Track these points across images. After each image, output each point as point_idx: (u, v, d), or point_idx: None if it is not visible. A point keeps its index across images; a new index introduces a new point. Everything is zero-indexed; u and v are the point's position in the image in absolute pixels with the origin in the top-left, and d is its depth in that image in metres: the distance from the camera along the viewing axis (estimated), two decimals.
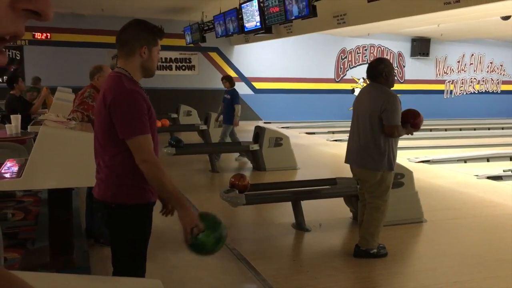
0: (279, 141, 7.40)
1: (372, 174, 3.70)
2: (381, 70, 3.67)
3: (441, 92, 17.43)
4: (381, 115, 3.57)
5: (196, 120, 10.96)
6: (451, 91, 17.64)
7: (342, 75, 16.16)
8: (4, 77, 11.42)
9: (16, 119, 4.62)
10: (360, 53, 16.22)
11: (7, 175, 2.98)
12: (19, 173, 2.93)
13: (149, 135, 2.07)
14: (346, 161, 3.93)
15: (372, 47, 16.24)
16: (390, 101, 3.59)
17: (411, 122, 3.65)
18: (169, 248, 3.99)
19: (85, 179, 2.97)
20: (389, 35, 15.57)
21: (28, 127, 5.16)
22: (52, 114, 3.44)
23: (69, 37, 13.03)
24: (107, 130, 2.12)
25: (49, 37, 12.94)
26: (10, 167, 3.22)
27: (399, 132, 3.60)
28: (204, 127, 9.58)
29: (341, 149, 9.24)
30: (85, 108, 3.76)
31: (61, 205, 3.03)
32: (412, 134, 3.75)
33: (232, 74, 15.09)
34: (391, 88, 3.69)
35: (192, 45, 12.40)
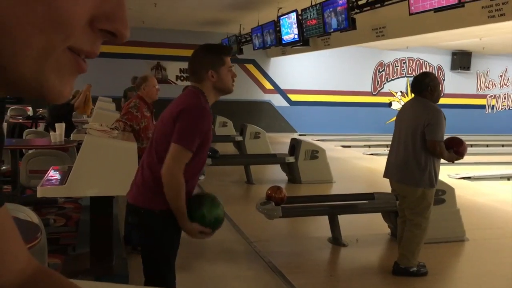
0: (315, 153, 7.35)
1: (412, 190, 3.62)
2: (426, 84, 3.59)
3: (482, 107, 16.93)
4: (425, 129, 3.49)
5: (232, 131, 11.03)
6: (493, 106, 17.12)
7: (379, 88, 15.95)
8: None
9: (60, 128, 4.78)
10: (398, 66, 15.98)
11: (52, 182, 3.07)
12: (63, 181, 3.01)
13: (191, 153, 2.12)
14: (385, 176, 3.85)
15: (410, 61, 15.98)
16: (435, 115, 3.51)
17: (455, 150, 3.58)
18: (205, 258, 4.01)
19: (126, 187, 3.02)
20: (428, 48, 15.29)
21: (71, 135, 5.33)
22: (96, 123, 3.53)
23: (111, 48, 13.38)
24: (166, 137, 2.17)
25: None
26: (55, 174, 3.31)
27: (441, 149, 3.51)
28: (239, 138, 9.63)
29: (377, 163, 9.13)
30: (129, 118, 3.84)
31: (102, 212, 3.09)
32: (453, 162, 3.68)
33: (268, 86, 15.15)
34: (436, 103, 3.61)
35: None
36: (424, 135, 3.50)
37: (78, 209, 4.95)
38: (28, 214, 2.20)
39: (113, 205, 3.37)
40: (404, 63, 15.97)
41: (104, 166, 2.88)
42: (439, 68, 16.21)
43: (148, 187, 2.22)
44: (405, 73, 15.86)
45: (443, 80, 16.25)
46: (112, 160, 2.90)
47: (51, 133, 4.91)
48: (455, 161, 3.72)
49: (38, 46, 0.38)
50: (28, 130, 6.28)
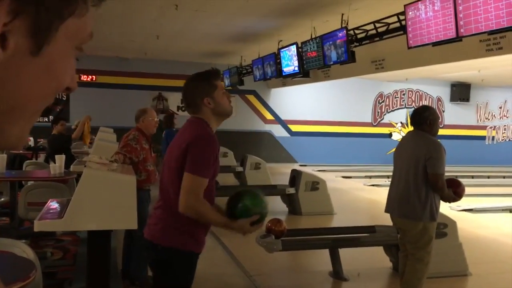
0: (316, 185, 7.32)
1: (414, 224, 3.58)
2: (426, 118, 3.61)
3: (482, 138, 16.97)
4: (426, 163, 3.48)
5: (233, 162, 11.00)
6: (493, 137, 17.15)
7: (379, 119, 16.03)
8: (50, 116, 11.88)
9: (60, 159, 4.77)
10: (398, 97, 16.10)
11: (50, 216, 3.04)
12: (61, 214, 2.99)
13: (207, 180, 2.12)
14: (387, 210, 3.82)
15: (410, 92, 16.11)
16: (436, 149, 3.52)
17: (453, 190, 3.58)
18: None
19: (125, 221, 3.00)
20: (427, 80, 15.45)
21: (71, 166, 5.32)
22: (95, 155, 3.53)
23: (113, 79, 13.54)
24: (176, 170, 2.16)
25: (94, 79, 13.48)
26: (53, 206, 3.29)
27: (443, 183, 3.49)
28: (240, 169, 9.61)
29: (378, 194, 9.08)
30: (128, 150, 3.84)
31: (101, 246, 3.05)
32: (450, 202, 3.68)
33: (269, 116, 15.23)
34: (435, 137, 3.62)
35: (230, 87, 12.66)
36: (425, 169, 3.49)
37: (77, 242, 4.89)
38: (24, 250, 2.17)
39: (110, 239, 3.32)
40: (403, 94, 16.10)
41: (103, 199, 2.86)
42: (439, 99, 16.32)
43: (166, 224, 2.21)
44: (405, 104, 15.96)
45: (443, 111, 16.34)
46: (111, 193, 2.88)
47: (51, 164, 4.91)
48: (451, 203, 3.72)
49: (35, 109, 0.45)
50: (28, 161, 6.28)
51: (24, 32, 0.38)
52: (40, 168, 5.74)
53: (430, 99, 16.24)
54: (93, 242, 3.07)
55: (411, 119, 3.73)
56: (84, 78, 13.42)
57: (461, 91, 16.02)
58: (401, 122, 15.93)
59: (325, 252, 4.46)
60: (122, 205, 2.91)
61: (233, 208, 2.19)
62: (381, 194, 8.14)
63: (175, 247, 2.16)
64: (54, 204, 3.35)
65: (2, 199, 5.25)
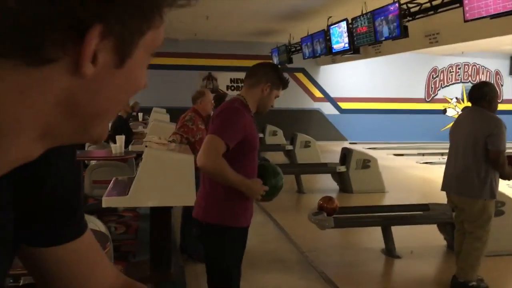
0: (367, 163, 7.27)
1: (473, 202, 3.53)
2: (485, 93, 3.51)
3: None
4: (486, 139, 3.41)
5: (282, 140, 11.08)
6: None
7: (433, 95, 15.54)
8: None
9: (120, 140, 5.02)
10: (453, 72, 15.51)
11: (115, 193, 3.24)
12: (125, 191, 3.18)
13: (225, 144, 2.17)
14: (443, 188, 3.77)
15: (466, 66, 15.47)
16: (497, 125, 3.43)
17: None
18: (258, 267, 4.07)
19: (183, 198, 3.15)
20: (485, 53, 14.76)
21: (129, 146, 5.57)
22: (154, 136, 3.70)
23: (164, 61, 13.82)
24: None
25: None
26: (117, 184, 3.50)
27: (504, 160, 3.42)
28: (290, 147, 9.67)
29: (432, 172, 8.89)
30: (185, 131, 4.00)
31: (162, 222, 3.23)
32: (510, 179, 3.58)
33: (318, 94, 15.11)
34: (494, 113, 3.53)
35: (279, 66, 12.66)
36: (484, 146, 3.42)
37: (137, 218, 5.16)
38: (96, 224, 2.36)
39: (171, 214, 3.51)
40: (459, 68, 15.49)
41: (163, 177, 3.02)
42: (497, 73, 15.59)
43: (206, 200, 2.33)
44: (461, 79, 15.37)
45: (501, 85, 15.61)
46: (171, 172, 3.03)
47: (112, 144, 5.17)
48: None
49: (115, 112, 0.52)
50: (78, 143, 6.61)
51: (110, 49, 0.44)
52: (101, 148, 6.05)
53: (488, 73, 15.53)
54: (155, 217, 3.25)
55: (469, 94, 3.64)
56: None
57: None
58: (456, 98, 15.37)
59: (378, 230, 4.48)
60: (181, 183, 3.06)
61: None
62: (435, 172, 7.98)
63: (219, 223, 2.27)
64: (117, 182, 3.56)
65: None
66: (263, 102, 2.39)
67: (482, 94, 3.51)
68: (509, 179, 3.60)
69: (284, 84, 2.45)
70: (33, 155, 0.48)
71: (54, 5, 0.39)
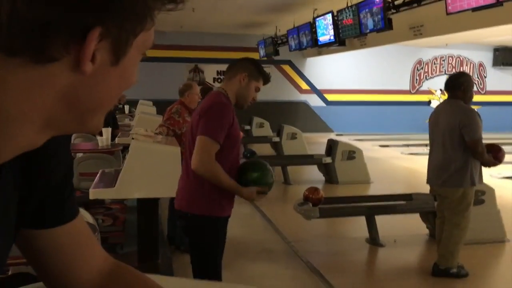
0: (352, 154, 7.37)
1: (454, 191, 3.63)
2: (460, 84, 3.61)
3: None
4: (461, 131, 3.51)
5: (269, 132, 11.14)
6: None
7: (418, 87, 15.70)
8: None
9: (106, 132, 5.02)
10: (437, 64, 15.68)
11: (102, 185, 3.27)
12: (112, 183, 3.20)
13: (217, 144, 2.23)
14: (428, 182, 3.86)
15: (450, 58, 15.65)
16: (468, 116, 3.53)
17: (493, 155, 3.59)
18: (245, 257, 4.14)
19: (169, 189, 3.18)
20: (469, 45, 14.93)
21: (116, 139, 5.57)
22: (141, 128, 3.72)
23: (150, 53, 13.68)
24: (194, 138, 2.32)
25: None
26: (104, 177, 3.52)
27: (482, 148, 3.52)
28: (276, 139, 9.72)
29: (416, 163, 9.03)
30: (171, 123, 4.03)
31: (149, 213, 3.27)
32: (489, 167, 3.68)
33: (304, 86, 15.18)
34: (469, 104, 3.62)
35: (265, 58, 12.68)
36: (461, 136, 3.52)
37: (124, 210, 5.18)
38: (84, 215, 2.38)
39: (158, 206, 3.55)
40: (443, 60, 15.67)
41: (150, 169, 3.06)
42: (480, 64, 15.80)
43: (188, 192, 2.37)
44: (445, 71, 15.54)
45: (485, 77, 15.84)
46: (158, 163, 3.07)
47: (98, 137, 5.17)
48: (491, 167, 3.72)
49: (109, 105, 0.56)
50: (76, 133, 6.60)
51: (107, 49, 0.49)
52: (87, 141, 6.04)
53: (472, 64, 15.74)
54: (142, 209, 3.29)
55: (445, 84, 3.73)
56: None
57: (504, 56, 15.42)
58: (441, 89, 15.54)
59: (362, 220, 4.57)
60: (167, 175, 3.09)
61: (241, 180, 2.34)
62: (419, 163, 8.11)
63: (201, 213, 2.32)
64: (104, 174, 3.58)
65: None
66: (241, 93, 2.40)
67: (458, 84, 3.61)
68: (489, 166, 3.69)
69: (264, 77, 2.47)
70: (36, 144, 0.53)
71: (60, 10, 0.44)
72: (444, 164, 3.63)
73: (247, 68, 2.41)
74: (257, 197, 2.37)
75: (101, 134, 5.21)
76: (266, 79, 2.50)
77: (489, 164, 3.64)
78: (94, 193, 2.97)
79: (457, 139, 3.54)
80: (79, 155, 5.01)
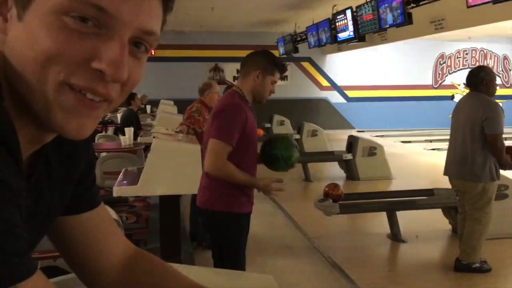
0: (373, 150, 7.33)
1: (473, 186, 3.59)
2: (481, 78, 3.57)
3: None
4: (483, 124, 3.47)
5: (289, 130, 11.15)
6: None
7: (440, 81, 15.48)
8: None
9: (129, 132, 5.13)
10: (460, 57, 15.43)
11: (125, 183, 3.34)
12: (135, 181, 3.28)
13: (229, 146, 2.26)
14: (445, 173, 3.84)
15: (473, 51, 15.38)
16: (492, 109, 3.49)
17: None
18: (267, 253, 4.18)
19: (191, 186, 3.23)
20: (492, 37, 14.64)
21: (138, 138, 5.68)
22: (162, 127, 3.79)
23: (171, 53, 13.90)
24: (209, 137, 2.36)
25: (153, 53, 13.89)
26: (127, 175, 3.60)
27: (501, 144, 3.47)
28: (297, 136, 9.72)
29: (439, 158, 8.88)
30: (191, 122, 4.10)
31: (171, 210, 3.33)
32: (506, 168, 3.58)
33: (325, 83, 15.12)
34: (492, 97, 3.58)
35: (285, 55, 12.69)
36: (482, 130, 3.48)
37: (147, 207, 5.28)
38: (108, 212, 2.47)
39: (180, 202, 3.61)
40: (466, 54, 15.41)
41: (171, 167, 3.11)
42: (505, 57, 15.48)
43: (209, 189, 2.41)
44: (468, 64, 15.28)
45: (510, 70, 15.50)
46: (179, 161, 3.12)
47: (121, 136, 5.28)
48: (507, 169, 3.62)
49: (40, 79, 0.52)
50: (99, 134, 6.75)
51: (15, 2, 0.52)
52: (111, 140, 6.16)
53: (496, 57, 15.43)
54: (164, 206, 3.35)
55: (466, 81, 3.69)
56: None
57: None
58: (464, 83, 15.28)
59: (383, 215, 4.56)
60: (188, 172, 3.14)
61: (266, 155, 2.39)
62: (442, 158, 7.94)
63: (222, 210, 2.36)
64: (127, 173, 3.66)
65: None
66: (257, 90, 2.40)
67: (479, 79, 3.57)
68: (505, 169, 3.59)
69: (279, 68, 2.41)
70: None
71: None
72: (463, 157, 3.59)
73: (260, 65, 2.38)
74: (273, 190, 2.38)
75: (124, 133, 5.32)
76: (282, 70, 2.44)
77: (505, 165, 3.54)
78: (117, 191, 3.04)
79: (478, 133, 3.50)
80: (103, 154, 5.12)
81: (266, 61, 2.40)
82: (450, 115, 3.88)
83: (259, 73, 2.38)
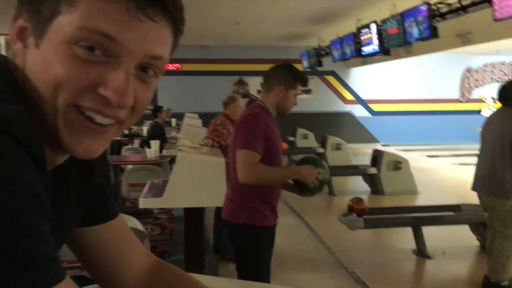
0: (399, 164, 7.25)
1: (502, 202, 3.52)
2: None
3: None
4: None
5: (313, 143, 11.11)
6: None
7: (468, 95, 15.24)
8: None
9: (155, 144, 5.21)
10: (488, 71, 15.17)
11: (151, 195, 3.40)
12: (160, 193, 3.33)
13: (258, 155, 2.27)
14: (473, 188, 3.77)
15: (502, 65, 15.11)
16: None
17: None
18: (289, 267, 4.16)
19: (215, 199, 3.27)
20: None
21: (163, 151, 5.77)
22: (187, 140, 3.85)
23: (196, 67, 14.11)
24: (235, 149, 2.40)
25: (179, 67, 14.11)
26: (152, 187, 3.66)
27: None
28: (321, 150, 9.69)
29: (467, 173, 8.70)
30: (216, 135, 4.15)
31: (195, 222, 3.37)
32: None
33: (349, 96, 15.06)
34: None
35: (309, 69, 12.72)
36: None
37: (172, 219, 5.34)
38: (134, 223, 2.51)
39: (204, 215, 3.64)
40: (494, 68, 15.14)
41: (196, 179, 3.15)
42: None
43: (234, 202, 2.44)
44: (497, 78, 15.01)
45: None
46: (203, 174, 3.16)
47: (147, 149, 5.37)
48: None
49: (51, 101, 0.56)
50: (125, 147, 6.88)
51: (31, 30, 0.57)
52: (136, 153, 6.27)
53: None
54: (189, 218, 3.39)
55: (497, 94, 3.63)
56: (170, 67, 14.08)
57: None
58: (492, 97, 15.00)
59: (408, 231, 4.49)
60: (212, 185, 3.18)
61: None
62: (470, 173, 7.78)
63: (245, 223, 2.37)
64: (153, 185, 3.72)
65: None
66: (281, 105, 2.44)
67: (509, 94, 3.51)
68: None
69: (301, 81, 2.45)
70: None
71: None
72: (493, 173, 3.53)
73: (283, 80, 2.42)
74: (315, 176, 2.33)
75: (149, 146, 5.41)
76: (304, 83, 2.47)
77: None
78: (143, 203, 3.10)
79: (508, 149, 3.43)
80: (129, 167, 5.22)
81: (288, 75, 2.43)
82: (478, 129, 3.82)
83: (282, 88, 2.41)
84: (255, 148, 2.28)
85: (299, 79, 2.45)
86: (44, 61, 0.55)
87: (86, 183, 0.73)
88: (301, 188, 2.41)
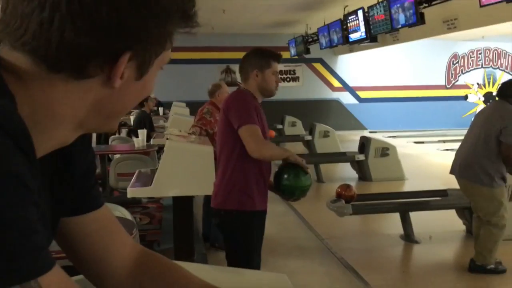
0: (386, 151, 7.30)
1: (476, 188, 3.56)
2: None
3: None
4: (501, 130, 3.42)
5: (301, 131, 11.13)
6: None
7: (453, 81, 15.35)
8: None
9: (142, 134, 5.18)
10: (474, 57, 15.28)
11: (139, 184, 3.38)
12: (148, 182, 3.31)
13: (257, 126, 2.30)
14: (452, 172, 3.82)
15: (487, 51, 15.22)
16: None
17: None
18: (278, 254, 4.18)
19: (204, 187, 3.26)
20: (507, 37, 14.45)
21: (151, 140, 5.73)
22: (175, 129, 3.83)
23: (183, 55, 13.96)
24: (223, 135, 2.41)
25: None
26: (140, 176, 3.63)
27: None
28: (309, 137, 9.72)
29: (452, 159, 8.81)
30: (203, 123, 4.13)
31: (184, 211, 3.36)
32: None
33: (336, 83, 15.08)
34: None
35: (296, 57, 12.68)
36: (496, 138, 3.44)
37: (160, 208, 5.32)
38: (123, 213, 2.50)
39: (193, 203, 3.64)
40: (480, 53, 15.25)
41: (184, 168, 3.14)
42: None
43: (222, 188, 2.43)
44: (482, 64, 15.13)
45: None
46: (192, 162, 3.15)
47: (134, 139, 5.33)
48: None
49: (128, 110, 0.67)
50: (113, 136, 6.81)
51: (134, 68, 0.59)
52: (124, 142, 6.23)
53: (510, 57, 15.24)
54: (178, 207, 3.38)
55: (498, 90, 3.67)
56: None
57: None
58: (478, 83, 15.14)
59: (396, 216, 4.54)
60: (201, 173, 3.17)
61: (278, 185, 2.42)
62: None
63: (234, 208, 2.38)
64: (140, 174, 3.69)
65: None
66: (262, 87, 2.45)
67: (510, 92, 3.52)
68: None
69: (273, 57, 2.46)
70: (69, 140, 0.63)
71: (100, 39, 0.54)
72: (470, 158, 3.57)
73: (254, 64, 2.44)
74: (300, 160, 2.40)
75: (137, 135, 5.37)
76: (276, 58, 2.48)
77: None
78: (131, 192, 3.09)
79: (493, 139, 3.46)
80: (117, 156, 5.18)
81: (257, 57, 2.46)
82: (464, 115, 3.86)
83: (256, 72, 2.43)
84: (254, 121, 2.30)
85: (271, 56, 2.47)
86: (143, 88, 0.64)
87: (62, 175, 0.72)
88: (284, 194, 2.49)
